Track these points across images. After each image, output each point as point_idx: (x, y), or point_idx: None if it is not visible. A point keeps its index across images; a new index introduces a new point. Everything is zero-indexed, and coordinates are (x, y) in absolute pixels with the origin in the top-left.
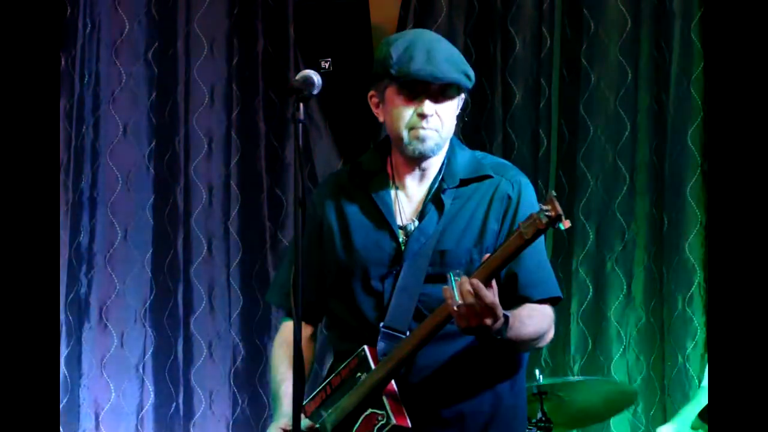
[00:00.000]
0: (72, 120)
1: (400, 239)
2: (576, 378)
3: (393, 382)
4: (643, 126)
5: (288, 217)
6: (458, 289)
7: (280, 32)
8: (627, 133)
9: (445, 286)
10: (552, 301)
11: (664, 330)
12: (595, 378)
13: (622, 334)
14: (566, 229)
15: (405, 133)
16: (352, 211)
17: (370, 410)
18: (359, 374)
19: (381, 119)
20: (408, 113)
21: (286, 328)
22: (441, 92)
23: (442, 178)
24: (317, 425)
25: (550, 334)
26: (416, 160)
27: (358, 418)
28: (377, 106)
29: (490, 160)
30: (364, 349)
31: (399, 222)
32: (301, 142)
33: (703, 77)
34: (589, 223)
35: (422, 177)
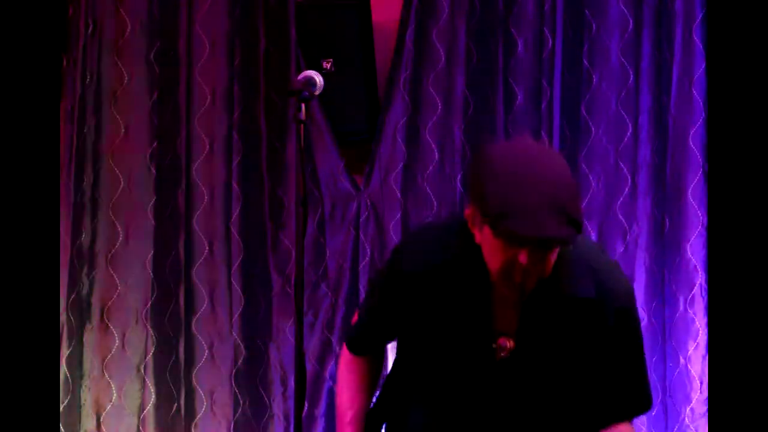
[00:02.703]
0: (73, 121)
1: (494, 347)
2: None
3: None
4: (645, 127)
5: (289, 218)
6: None
7: (281, 33)
8: (629, 134)
9: None
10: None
11: (665, 331)
12: None
13: None
14: None
15: (499, 276)
16: (447, 312)
17: None
18: None
19: (476, 240)
20: (504, 259)
21: (355, 359)
22: (545, 245)
23: (544, 291)
24: None
25: None
26: None
27: None
28: (472, 224)
29: (598, 277)
30: None
31: (496, 328)
32: (302, 143)
33: (706, 78)
34: (590, 223)
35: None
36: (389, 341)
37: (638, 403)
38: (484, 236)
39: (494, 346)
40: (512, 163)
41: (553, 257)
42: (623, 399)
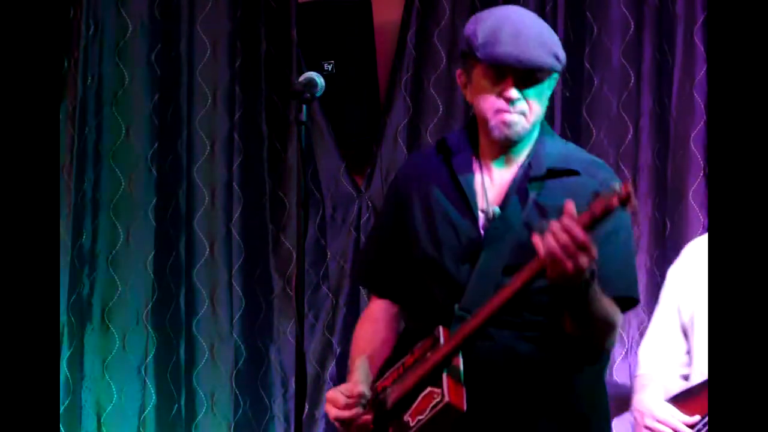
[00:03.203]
0: (75, 122)
1: (481, 224)
2: None
3: (460, 361)
4: (646, 129)
5: (290, 219)
6: (550, 229)
7: (282, 34)
8: (630, 137)
9: (534, 235)
10: (624, 303)
11: None
12: None
13: (625, 338)
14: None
15: (491, 117)
16: (436, 192)
17: (429, 388)
18: (428, 353)
19: (469, 99)
20: (494, 96)
21: (375, 305)
22: (529, 75)
23: (529, 165)
24: (378, 399)
25: (615, 337)
26: (502, 145)
27: (417, 396)
28: (465, 86)
29: (581, 156)
30: (438, 329)
31: (482, 206)
32: (303, 145)
33: (707, 81)
34: None
35: (508, 161)
36: (396, 272)
37: (624, 285)
38: (475, 83)
39: (480, 211)
40: (498, 10)
41: (539, 93)
42: (609, 276)
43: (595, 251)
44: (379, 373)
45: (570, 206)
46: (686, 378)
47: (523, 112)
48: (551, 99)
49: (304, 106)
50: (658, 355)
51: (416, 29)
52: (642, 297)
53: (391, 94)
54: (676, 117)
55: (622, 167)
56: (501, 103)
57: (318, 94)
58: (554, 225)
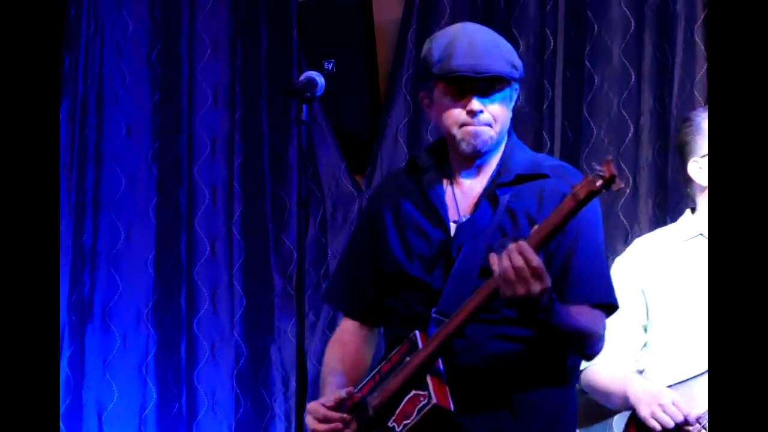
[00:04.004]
0: (75, 121)
1: (452, 233)
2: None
3: (440, 362)
4: (646, 128)
5: (291, 218)
6: (505, 253)
7: (283, 33)
8: (630, 136)
9: (491, 253)
10: (605, 309)
11: None
12: None
13: None
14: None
15: (456, 132)
16: (407, 208)
17: (413, 392)
18: (408, 358)
19: (433, 120)
20: (457, 111)
21: (344, 327)
22: (489, 86)
23: (498, 173)
24: (358, 408)
25: (602, 343)
26: (472, 157)
27: (401, 400)
28: (428, 107)
29: (551, 162)
30: (415, 334)
31: (453, 217)
32: (304, 144)
33: (707, 79)
34: None
35: (478, 173)
36: (367, 293)
37: (601, 291)
38: (437, 102)
39: (452, 222)
40: (451, 28)
41: (501, 102)
42: (584, 283)
43: (548, 280)
44: (355, 386)
45: (533, 231)
46: (640, 373)
47: (488, 122)
48: (551, 99)
49: (305, 106)
50: (613, 346)
51: (417, 28)
52: None
53: (392, 93)
54: (676, 116)
55: (623, 166)
56: (465, 117)
57: (318, 94)
58: (511, 247)
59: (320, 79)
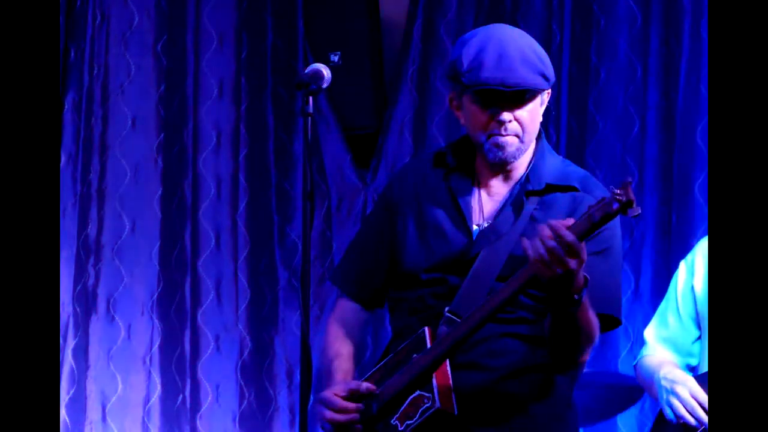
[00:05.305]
0: (81, 112)
1: (475, 238)
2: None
3: (447, 365)
4: (652, 122)
5: (296, 211)
6: (538, 234)
7: (289, 26)
8: (636, 130)
9: (523, 238)
10: (606, 322)
11: None
12: (602, 373)
13: (630, 331)
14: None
15: (484, 140)
16: (430, 204)
17: (418, 392)
18: (414, 354)
19: (462, 123)
20: (485, 120)
21: (345, 307)
22: (518, 97)
23: (527, 179)
24: (363, 404)
25: (588, 355)
26: (500, 164)
27: (405, 400)
28: (457, 109)
29: (578, 173)
30: (423, 331)
31: (477, 220)
32: (309, 136)
33: (709, 73)
34: None
35: (507, 178)
36: (375, 278)
37: (609, 303)
38: (465, 108)
39: (476, 226)
40: (481, 31)
41: (531, 112)
42: (595, 292)
43: (585, 254)
44: (360, 376)
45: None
46: (692, 370)
47: (516, 133)
48: (557, 93)
49: (310, 98)
50: (666, 340)
51: (422, 21)
52: (647, 291)
53: (397, 86)
54: (682, 110)
55: (628, 161)
56: (493, 127)
57: (324, 86)
58: (543, 229)
59: (326, 72)
